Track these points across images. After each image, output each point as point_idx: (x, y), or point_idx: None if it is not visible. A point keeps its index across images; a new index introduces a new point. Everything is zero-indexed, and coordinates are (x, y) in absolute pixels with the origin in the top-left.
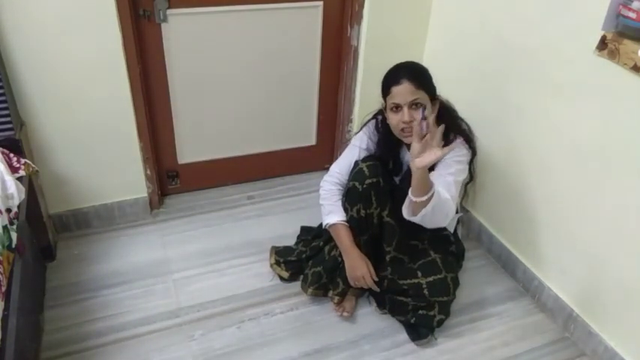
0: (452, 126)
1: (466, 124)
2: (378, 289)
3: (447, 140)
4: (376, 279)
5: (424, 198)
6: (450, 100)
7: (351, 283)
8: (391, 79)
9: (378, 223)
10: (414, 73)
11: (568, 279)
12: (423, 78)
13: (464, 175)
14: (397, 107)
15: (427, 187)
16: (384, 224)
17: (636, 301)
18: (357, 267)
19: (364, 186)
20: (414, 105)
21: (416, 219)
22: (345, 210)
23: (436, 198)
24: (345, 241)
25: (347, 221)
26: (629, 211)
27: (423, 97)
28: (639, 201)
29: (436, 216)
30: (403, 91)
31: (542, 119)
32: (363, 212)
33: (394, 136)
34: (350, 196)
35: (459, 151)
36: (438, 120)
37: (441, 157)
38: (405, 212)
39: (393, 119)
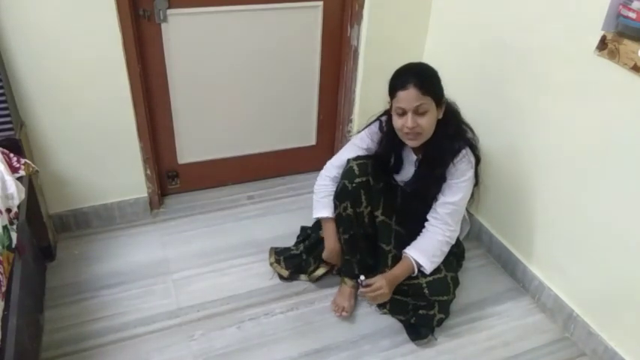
0: (458, 134)
1: (470, 129)
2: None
3: (453, 151)
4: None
5: (417, 271)
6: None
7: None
8: (398, 83)
9: (370, 222)
10: (421, 78)
11: (568, 279)
12: (430, 83)
13: (470, 192)
14: (402, 112)
15: (410, 272)
16: (378, 223)
17: (636, 301)
18: (332, 258)
19: (353, 185)
20: (419, 111)
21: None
22: (335, 206)
23: (433, 265)
24: (328, 235)
25: (334, 217)
26: (629, 211)
27: (428, 102)
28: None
29: (445, 252)
30: (408, 97)
31: (543, 119)
32: (350, 210)
33: (398, 136)
34: (340, 194)
35: (466, 172)
36: (440, 124)
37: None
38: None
39: (398, 122)
